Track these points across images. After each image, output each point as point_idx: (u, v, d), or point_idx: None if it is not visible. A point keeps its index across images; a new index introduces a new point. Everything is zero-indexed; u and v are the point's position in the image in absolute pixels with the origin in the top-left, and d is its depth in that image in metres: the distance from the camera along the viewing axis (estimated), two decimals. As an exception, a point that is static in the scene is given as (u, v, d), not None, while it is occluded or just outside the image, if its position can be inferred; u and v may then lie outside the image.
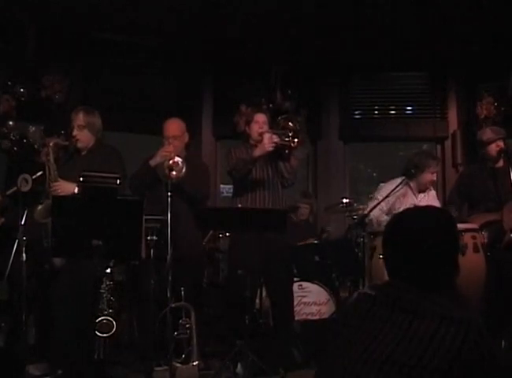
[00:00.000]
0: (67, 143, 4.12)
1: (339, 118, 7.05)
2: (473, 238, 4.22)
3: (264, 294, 4.49)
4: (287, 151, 4.35)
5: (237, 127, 6.27)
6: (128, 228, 3.15)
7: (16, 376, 3.73)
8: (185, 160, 4.15)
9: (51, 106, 5.74)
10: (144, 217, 3.32)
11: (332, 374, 1.58)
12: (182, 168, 4.05)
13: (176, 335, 3.89)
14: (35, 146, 5.32)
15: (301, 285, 4.94)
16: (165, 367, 3.74)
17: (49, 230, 3.61)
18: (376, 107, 7.12)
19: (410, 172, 4.59)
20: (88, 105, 4.47)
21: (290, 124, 4.32)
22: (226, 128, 6.63)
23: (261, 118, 4.45)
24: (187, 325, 3.90)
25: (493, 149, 4.54)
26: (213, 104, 6.92)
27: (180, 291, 3.99)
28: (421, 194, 4.79)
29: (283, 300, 4.37)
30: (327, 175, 7.01)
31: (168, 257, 3.86)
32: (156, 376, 3.73)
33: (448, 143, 6.92)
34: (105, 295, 3.66)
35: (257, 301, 4.29)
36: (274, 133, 4.27)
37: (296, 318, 4.66)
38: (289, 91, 6.47)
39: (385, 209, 4.62)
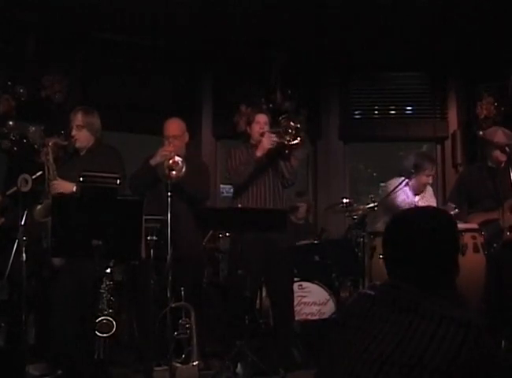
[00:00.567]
0: (66, 143, 4.13)
1: (339, 118, 7.05)
2: (473, 238, 4.22)
3: (264, 294, 4.49)
4: (287, 151, 4.35)
5: (237, 127, 6.27)
6: (127, 228, 3.15)
7: (16, 376, 3.73)
8: (185, 160, 4.15)
9: (51, 106, 5.74)
10: (144, 217, 3.32)
11: (331, 374, 1.58)
12: (182, 167, 4.05)
13: (176, 335, 3.89)
14: (35, 146, 5.32)
15: (301, 285, 4.94)
16: (165, 367, 3.74)
17: (48, 230, 3.61)
18: (376, 107, 7.13)
19: (409, 172, 4.61)
20: (88, 105, 4.47)
21: (291, 123, 4.32)
22: (226, 128, 6.63)
23: (262, 119, 4.45)
24: (187, 325, 3.90)
25: (499, 153, 4.51)
26: (213, 104, 6.92)
27: (180, 291, 3.99)
28: (422, 195, 4.81)
29: (284, 300, 4.37)
30: (327, 175, 7.01)
31: (168, 257, 3.86)
32: (156, 376, 3.73)
33: (448, 143, 6.92)
34: (105, 295, 3.66)
35: (257, 301, 4.30)
36: (274, 132, 4.27)
37: (296, 318, 4.66)
38: (289, 91, 6.47)
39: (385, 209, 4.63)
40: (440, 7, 5.48)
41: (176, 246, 3.91)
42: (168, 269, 3.86)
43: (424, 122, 6.98)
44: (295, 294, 4.61)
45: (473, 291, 3.92)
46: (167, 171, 4.01)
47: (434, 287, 1.57)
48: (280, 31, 6.00)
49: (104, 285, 3.68)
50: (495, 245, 4.26)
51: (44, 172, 3.94)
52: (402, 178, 4.68)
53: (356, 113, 7.18)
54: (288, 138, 4.26)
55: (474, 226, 4.31)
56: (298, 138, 4.26)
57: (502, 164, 4.50)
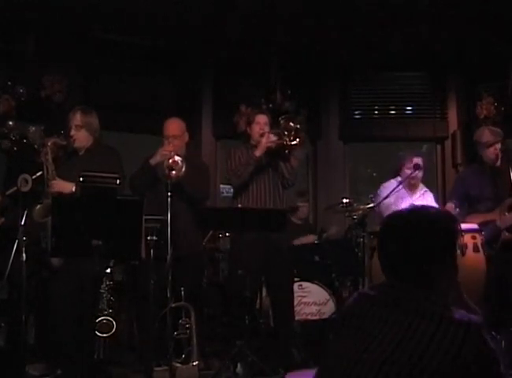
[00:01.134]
0: (65, 143, 4.12)
1: (339, 118, 7.05)
2: (473, 238, 4.22)
3: (264, 294, 4.49)
4: (287, 151, 4.35)
5: (237, 127, 6.27)
6: (127, 228, 3.15)
7: (16, 376, 3.73)
8: (185, 160, 4.15)
9: (51, 106, 5.74)
10: (144, 217, 3.32)
11: (331, 374, 1.58)
12: (182, 167, 4.05)
13: (176, 335, 3.89)
14: (35, 146, 5.31)
15: (301, 285, 4.95)
16: (165, 367, 3.74)
17: (48, 230, 3.62)
18: (376, 107, 7.12)
19: (398, 171, 4.82)
20: (88, 105, 4.47)
21: (291, 123, 4.32)
22: (226, 128, 6.63)
23: (262, 119, 4.45)
24: (187, 325, 3.90)
25: (491, 152, 4.53)
26: (213, 104, 6.92)
27: (180, 291, 3.99)
28: (416, 196, 4.81)
29: (284, 300, 4.36)
30: (327, 175, 7.00)
31: (168, 257, 3.86)
32: (156, 376, 3.73)
33: (448, 143, 6.92)
34: (105, 295, 3.67)
35: (257, 301, 4.29)
36: (274, 133, 4.27)
37: (296, 318, 4.66)
38: (289, 91, 6.47)
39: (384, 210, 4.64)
40: (440, 7, 5.48)
41: (176, 246, 3.91)
42: (168, 269, 3.86)
43: (424, 122, 6.98)
44: (295, 294, 4.61)
45: (473, 291, 3.91)
46: (167, 171, 4.01)
47: (433, 287, 1.56)
48: (280, 31, 6.00)
49: (104, 285, 3.68)
50: (494, 245, 4.26)
51: (44, 172, 3.94)
52: (394, 181, 4.78)
53: (356, 113, 7.18)
54: (288, 139, 4.26)
55: (474, 226, 4.31)
56: (298, 139, 4.26)
57: (498, 163, 4.51)
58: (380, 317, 1.54)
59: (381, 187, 4.94)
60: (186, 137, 4.46)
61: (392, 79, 7.11)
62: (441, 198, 6.41)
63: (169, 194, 3.90)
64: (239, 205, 4.27)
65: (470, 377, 1.43)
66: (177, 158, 4.06)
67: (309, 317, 4.93)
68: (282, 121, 4.35)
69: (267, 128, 4.40)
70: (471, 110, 6.61)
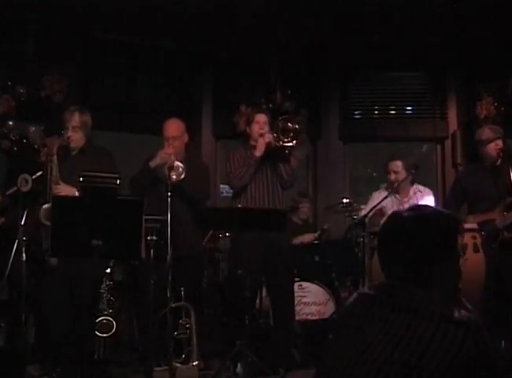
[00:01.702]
0: (66, 143, 4.12)
1: (339, 118, 7.04)
2: (473, 238, 4.23)
3: (264, 294, 4.49)
4: (287, 151, 4.36)
5: (237, 127, 6.27)
6: (127, 228, 3.15)
7: (16, 376, 3.73)
8: (185, 160, 4.16)
9: (51, 106, 5.74)
10: (144, 217, 3.32)
11: (331, 374, 1.58)
12: (181, 173, 4.05)
13: (176, 335, 3.89)
14: (35, 146, 5.31)
15: (301, 285, 4.95)
16: (165, 367, 3.74)
17: (49, 230, 3.62)
18: (376, 107, 7.12)
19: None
20: (88, 105, 4.47)
21: (289, 124, 4.32)
22: (226, 128, 6.63)
23: (262, 119, 4.45)
24: (187, 325, 3.90)
25: (492, 148, 4.52)
26: (213, 104, 6.92)
27: (180, 291, 3.99)
28: (407, 198, 4.83)
29: (284, 300, 4.37)
30: (327, 175, 7.00)
31: (168, 257, 3.87)
32: (156, 376, 3.73)
33: (448, 143, 6.91)
34: (105, 295, 3.67)
35: (257, 301, 4.29)
36: (273, 133, 4.28)
37: (296, 318, 4.66)
38: (289, 91, 6.47)
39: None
40: (440, 7, 5.48)
41: (176, 246, 3.91)
42: (168, 269, 3.87)
43: (424, 122, 6.97)
44: (295, 294, 4.61)
45: (473, 291, 3.92)
46: (167, 171, 4.01)
47: (433, 287, 1.56)
48: (280, 31, 6.00)
49: (104, 285, 3.68)
50: (493, 245, 4.26)
51: (44, 173, 3.94)
52: (383, 186, 4.85)
53: (356, 113, 7.18)
54: (286, 140, 4.26)
55: (474, 226, 4.31)
56: (296, 140, 4.26)
57: (499, 162, 4.50)
58: (380, 317, 1.54)
59: (372, 196, 4.99)
60: (186, 138, 4.46)
61: (392, 79, 7.11)
62: (441, 198, 6.41)
63: (169, 194, 3.90)
64: (239, 205, 4.28)
65: (470, 377, 1.43)
66: (177, 164, 4.06)
67: (309, 317, 4.93)
68: (280, 122, 4.35)
69: (267, 128, 4.40)
70: (471, 110, 6.60)
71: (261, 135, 4.30)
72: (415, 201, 4.73)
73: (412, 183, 4.92)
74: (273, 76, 6.52)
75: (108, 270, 3.86)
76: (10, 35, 5.61)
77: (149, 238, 4.01)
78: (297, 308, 4.73)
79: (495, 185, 4.46)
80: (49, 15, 5.53)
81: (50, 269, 3.85)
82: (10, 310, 4.26)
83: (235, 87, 6.82)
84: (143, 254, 3.72)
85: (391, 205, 4.75)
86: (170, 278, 3.85)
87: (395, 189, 4.79)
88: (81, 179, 3.44)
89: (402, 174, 4.80)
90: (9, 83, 5.51)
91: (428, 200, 4.86)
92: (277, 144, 4.26)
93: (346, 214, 5.17)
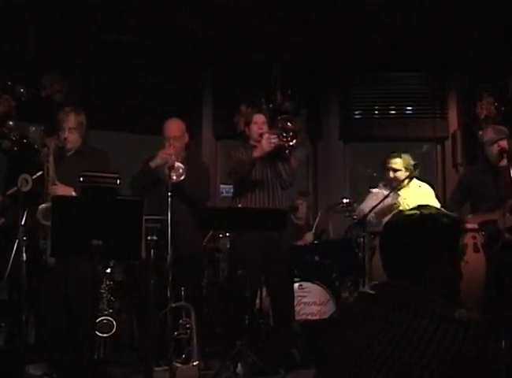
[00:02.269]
0: (62, 144, 4.11)
1: (339, 118, 7.05)
2: (473, 238, 4.22)
3: (264, 294, 4.49)
4: (287, 151, 4.35)
5: (237, 127, 6.27)
6: (128, 228, 3.14)
7: (16, 376, 3.73)
8: (185, 160, 4.16)
9: (51, 106, 5.74)
10: (144, 217, 3.32)
11: (331, 374, 1.58)
12: (182, 174, 4.05)
13: (176, 335, 3.89)
14: (35, 146, 5.31)
15: (301, 285, 4.94)
16: (165, 367, 3.74)
17: (48, 231, 3.62)
18: (376, 107, 7.13)
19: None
20: (88, 105, 4.46)
21: (289, 124, 4.32)
22: (226, 128, 6.63)
23: (260, 119, 4.45)
24: (187, 325, 3.90)
25: (494, 149, 4.52)
26: (213, 104, 6.92)
27: (180, 291, 3.99)
28: (408, 193, 4.81)
29: (284, 300, 4.36)
30: (327, 175, 7.00)
31: (169, 257, 3.87)
32: (156, 376, 3.73)
33: (448, 143, 6.92)
34: (105, 295, 3.67)
35: (257, 301, 4.29)
36: (273, 134, 4.27)
37: (296, 318, 4.66)
38: (289, 91, 6.47)
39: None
40: (440, 7, 5.48)
41: (176, 246, 3.91)
42: (168, 269, 3.87)
43: (424, 122, 6.98)
44: (296, 295, 4.61)
45: (473, 291, 3.92)
46: (167, 172, 4.01)
47: (433, 287, 1.56)
48: (280, 32, 6.00)
49: (104, 285, 3.68)
50: (494, 245, 4.26)
51: (44, 174, 3.93)
52: (381, 184, 4.85)
53: (356, 113, 7.18)
54: (285, 140, 4.26)
55: (474, 226, 4.31)
56: (295, 140, 4.25)
57: (503, 163, 4.49)
58: (380, 317, 1.54)
59: (370, 193, 4.97)
60: (186, 138, 4.46)
61: (392, 79, 7.11)
62: (441, 198, 6.41)
63: (169, 194, 3.90)
64: (239, 205, 4.28)
65: (470, 377, 1.43)
66: (177, 164, 4.06)
67: (310, 317, 4.93)
68: (280, 121, 4.35)
69: (265, 128, 4.40)
70: (471, 110, 6.61)
71: (261, 135, 4.30)
72: (416, 198, 4.72)
73: (410, 179, 4.91)
74: (273, 76, 6.53)
75: (108, 270, 3.86)
76: (10, 35, 5.61)
77: (149, 238, 4.01)
78: (297, 308, 4.73)
79: (496, 186, 4.45)
80: (49, 15, 5.53)
81: (49, 269, 3.84)
82: (10, 310, 4.26)
83: (235, 87, 6.82)
84: (143, 254, 3.71)
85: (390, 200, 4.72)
86: (170, 278, 3.85)
87: (396, 187, 4.78)
88: (81, 179, 3.44)
89: (402, 172, 4.80)
90: (9, 83, 5.51)
91: (429, 195, 4.84)
92: (280, 144, 4.26)
93: (346, 214, 5.17)
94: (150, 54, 6.42)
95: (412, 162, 4.84)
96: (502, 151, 4.46)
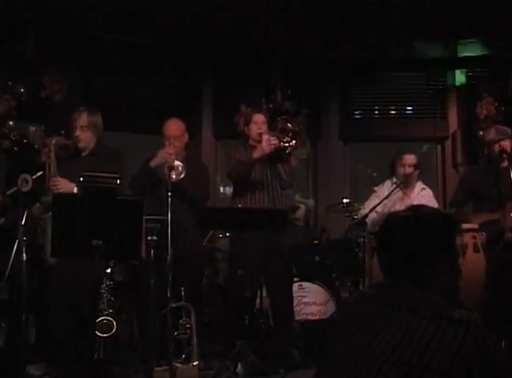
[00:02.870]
0: (68, 142, 4.12)
1: (339, 118, 7.05)
2: (473, 238, 4.22)
3: (264, 294, 4.49)
4: (287, 151, 4.35)
5: (237, 127, 6.27)
6: (127, 228, 3.15)
7: (16, 376, 3.73)
8: (185, 160, 4.16)
9: (51, 106, 5.74)
10: (144, 217, 3.32)
11: (331, 374, 1.58)
12: (181, 172, 4.05)
13: (176, 335, 3.89)
14: (35, 146, 5.31)
15: (301, 285, 4.94)
16: (165, 367, 3.75)
17: (46, 226, 3.63)
18: (376, 107, 7.12)
19: (391, 171, 4.80)
20: (88, 105, 4.46)
21: (289, 125, 4.32)
22: (226, 128, 6.63)
23: (259, 118, 4.45)
24: (187, 325, 3.90)
25: (496, 149, 4.53)
26: (213, 104, 6.92)
27: (180, 291, 3.99)
28: (413, 194, 4.80)
29: (283, 300, 4.37)
30: (327, 175, 7.00)
31: (169, 257, 3.87)
32: (156, 376, 3.73)
33: (448, 143, 6.92)
34: (105, 295, 3.66)
35: (257, 301, 4.29)
36: (273, 135, 4.27)
37: (296, 318, 4.66)
38: (289, 91, 6.47)
39: (381, 212, 4.62)
40: (440, 7, 5.47)
41: (176, 246, 3.92)
42: (168, 269, 3.87)
43: (425, 122, 6.97)
44: (295, 295, 4.61)
45: (473, 291, 3.92)
46: (167, 171, 4.01)
47: (432, 286, 1.57)
48: (280, 32, 6.00)
49: (104, 285, 3.67)
50: (495, 245, 4.26)
51: (45, 171, 3.94)
52: (390, 181, 4.80)
53: (356, 113, 7.18)
54: (285, 141, 4.26)
55: (474, 226, 4.31)
56: (294, 141, 4.26)
57: (505, 163, 4.49)
58: (380, 317, 1.54)
59: (375, 189, 4.94)
60: (186, 137, 4.46)
61: (392, 79, 7.11)
62: (441, 198, 6.41)
63: (169, 194, 3.90)
64: (239, 205, 4.28)
65: (470, 376, 1.43)
66: (177, 163, 4.06)
67: (310, 317, 4.93)
68: (280, 122, 4.35)
69: (265, 127, 4.40)
70: (471, 110, 6.61)
71: (260, 135, 4.30)
72: (421, 199, 4.72)
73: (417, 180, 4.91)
74: (273, 76, 6.53)
75: (108, 270, 3.85)
76: (10, 35, 5.61)
77: (149, 238, 4.01)
78: (297, 308, 4.73)
79: (497, 185, 4.46)
80: (49, 15, 5.53)
81: (49, 269, 3.84)
82: (10, 310, 4.26)
83: (235, 87, 6.83)
84: (143, 254, 3.71)
85: (395, 199, 4.71)
86: (170, 278, 3.85)
87: (406, 182, 4.76)
88: (81, 179, 3.44)
89: (413, 169, 4.78)
90: (9, 83, 5.50)
91: (430, 198, 4.84)
92: (280, 145, 4.26)
93: (346, 214, 5.17)
94: (150, 54, 6.42)
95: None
96: (502, 152, 4.46)
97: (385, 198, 4.55)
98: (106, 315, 3.59)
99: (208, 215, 4.23)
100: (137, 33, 6.14)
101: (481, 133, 5.06)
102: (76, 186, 3.78)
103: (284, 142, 4.25)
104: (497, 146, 4.51)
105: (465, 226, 4.23)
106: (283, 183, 4.44)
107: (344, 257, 5.24)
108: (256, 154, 4.24)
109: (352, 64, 6.87)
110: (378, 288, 1.65)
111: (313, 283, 5.00)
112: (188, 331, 3.89)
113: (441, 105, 6.98)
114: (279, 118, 4.48)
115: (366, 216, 4.57)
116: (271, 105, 6.36)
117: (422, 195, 4.81)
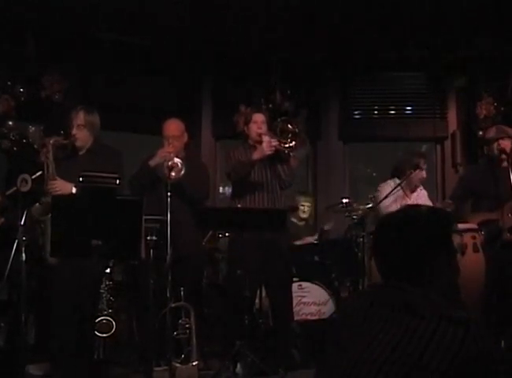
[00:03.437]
0: (66, 142, 4.12)
1: (339, 118, 7.04)
2: (473, 238, 4.22)
3: (264, 294, 4.49)
4: (286, 152, 4.35)
5: (237, 127, 6.27)
6: (127, 228, 3.15)
7: (16, 376, 3.73)
8: (184, 160, 4.16)
9: (51, 106, 5.74)
10: (144, 217, 3.32)
11: (331, 374, 1.58)
12: (181, 169, 4.05)
13: (176, 335, 3.89)
14: (35, 146, 5.32)
15: (301, 285, 4.94)
16: (165, 367, 3.75)
17: (46, 227, 3.62)
18: (376, 107, 7.12)
19: (402, 173, 4.68)
20: (88, 105, 4.46)
21: (289, 126, 4.32)
22: (226, 128, 6.63)
23: (259, 118, 4.45)
24: (187, 325, 3.90)
25: (495, 148, 4.54)
26: (213, 104, 6.92)
27: (180, 291, 3.99)
28: (414, 194, 4.80)
29: (283, 300, 4.37)
30: (327, 175, 7.00)
31: (168, 257, 3.87)
32: (156, 376, 3.73)
33: (448, 143, 6.91)
34: (104, 295, 3.66)
35: (257, 301, 4.29)
36: (273, 136, 4.27)
37: (296, 318, 4.66)
38: (289, 91, 6.47)
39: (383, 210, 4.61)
40: (440, 7, 5.48)
41: (175, 246, 3.92)
42: (167, 269, 3.87)
43: (424, 122, 6.97)
44: (295, 294, 4.61)
45: (473, 291, 3.92)
46: (166, 171, 4.01)
47: (430, 286, 1.57)
48: (280, 32, 6.00)
49: (104, 285, 3.68)
50: (494, 245, 4.26)
51: (44, 171, 3.94)
52: (393, 181, 4.75)
53: (356, 113, 7.17)
54: (284, 141, 4.26)
55: (474, 226, 4.31)
56: (294, 142, 4.26)
57: (504, 163, 4.49)
58: (380, 317, 1.54)
59: (378, 188, 4.92)
60: (185, 137, 4.47)
61: (392, 79, 7.11)
62: (441, 198, 6.41)
63: (169, 194, 3.90)
64: (239, 205, 4.28)
65: (470, 376, 1.43)
66: (176, 160, 4.06)
67: (309, 317, 4.93)
68: (280, 123, 4.35)
69: (264, 127, 4.40)
70: (471, 110, 6.61)
71: (260, 135, 4.30)
72: (418, 199, 4.72)
73: None
74: (273, 76, 6.52)
75: (108, 270, 3.85)
76: (10, 35, 5.61)
77: (149, 238, 4.02)
78: (297, 308, 4.74)
79: (496, 184, 4.46)
80: (49, 15, 5.53)
81: (49, 269, 3.84)
82: (10, 310, 4.26)
83: (235, 87, 6.82)
84: (143, 254, 3.72)
85: (396, 198, 4.70)
86: (170, 278, 3.85)
87: (417, 185, 4.75)
88: (80, 179, 3.44)
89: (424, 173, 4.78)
90: (9, 83, 5.51)
91: (425, 198, 4.83)
92: (280, 146, 4.26)
93: (346, 214, 5.16)
94: (150, 54, 6.42)
95: None
96: (501, 151, 4.47)
97: (390, 192, 4.54)
98: (106, 315, 3.59)
99: (208, 215, 4.24)
100: (137, 33, 6.14)
101: (481, 133, 5.05)
102: (75, 186, 3.78)
103: (284, 144, 4.25)
104: (496, 144, 4.51)
105: (464, 226, 4.23)
106: (283, 184, 4.44)
107: (344, 257, 5.24)
108: (256, 155, 4.24)
109: (352, 64, 6.87)
110: (377, 288, 1.65)
111: (312, 283, 5.00)
112: (188, 331, 3.89)
113: (441, 106, 6.98)
114: (279, 119, 4.47)
115: (366, 215, 4.57)
116: (270, 105, 6.36)
117: (419, 196, 4.82)
